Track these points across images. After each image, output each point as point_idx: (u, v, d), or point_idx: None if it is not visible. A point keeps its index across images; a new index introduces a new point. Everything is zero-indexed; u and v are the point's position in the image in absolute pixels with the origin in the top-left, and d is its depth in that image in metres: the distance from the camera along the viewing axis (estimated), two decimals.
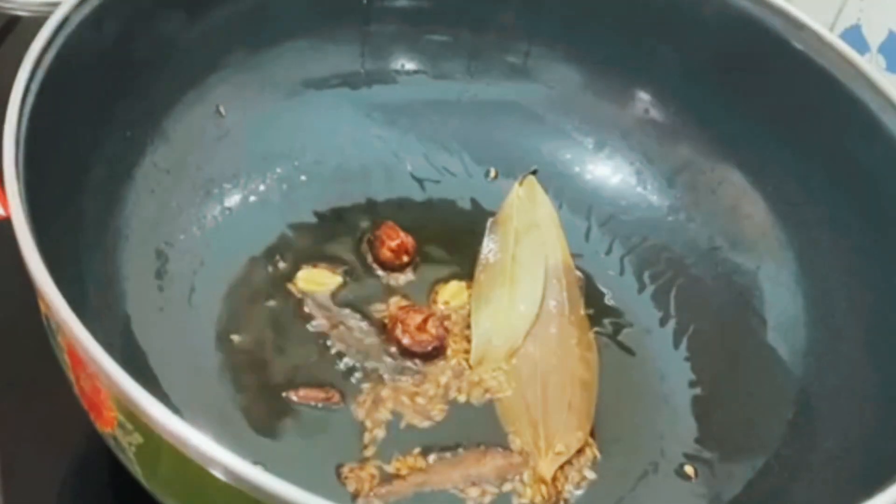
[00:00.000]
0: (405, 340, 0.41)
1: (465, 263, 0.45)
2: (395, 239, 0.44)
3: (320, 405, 0.39)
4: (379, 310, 0.43)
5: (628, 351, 0.44)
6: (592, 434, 0.40)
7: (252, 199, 0.45)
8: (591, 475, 0.39)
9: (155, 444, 0.28)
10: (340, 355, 0.41)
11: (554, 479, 0.39)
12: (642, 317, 0.45)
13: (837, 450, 0.37)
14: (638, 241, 0.47)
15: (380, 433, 0.39)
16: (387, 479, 0.38)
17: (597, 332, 0.44)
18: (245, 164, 0.45)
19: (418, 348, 0.41)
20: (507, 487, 0.38)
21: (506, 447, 0.39)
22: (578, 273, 0.45)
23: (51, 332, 0.32)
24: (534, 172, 0.48)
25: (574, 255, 0.46)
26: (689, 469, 0.40)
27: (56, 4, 0.36)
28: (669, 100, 0.47)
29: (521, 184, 0.47)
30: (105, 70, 0.38)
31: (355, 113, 0.48)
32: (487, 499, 0.38)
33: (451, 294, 0.44)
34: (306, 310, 0.42)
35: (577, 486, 0.39)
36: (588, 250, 0.47)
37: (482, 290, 0.44)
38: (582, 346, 0.43)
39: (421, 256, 0.45)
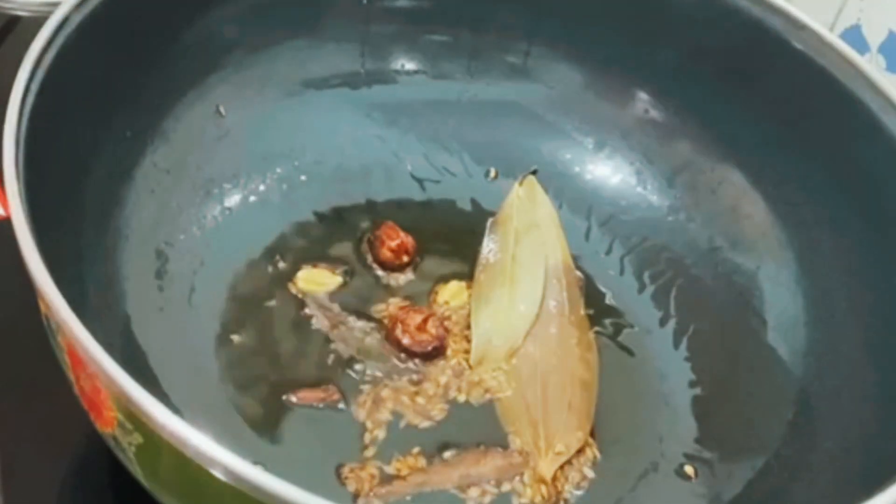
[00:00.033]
0: (405, 340, 0.41)
1: (465, 263, 0.45)
2: (395, 239, 0.44)
3: (320, 405, 0.39)
4: (379, 310, 0.43)
5: (628, 351, 0.44)
6: (592, 434, 0.40)
7: (252, 199, 0.45)
8: (591, 475, 0.39)
9: (155, 444, 0.28)
10: (340, 355, 0.41)
11: (554, 479, 0.39)
12: (642, 317, 0.45)
13: (837, 450, 0.37)
14: (638, 241, 0.47)
15: (380, 433, 0.39)
16: (387, 479, 0.38)
17: (597, 333, 0.44)
18: (245, 164, 0.45)
19: (418, 348, 0.41)
20: (507, 487, 0.38)
21: (506, 447, 0.39)
22: (578, 273, 0.45)
23: (51, 332, 0.32)
24: (534, 172, 0.48)
25: (574, 255, 0.46)
26: (689, 469, 0.40)
27: (56, 4, 0.36)
28: (669, 100, 0.47)
29: (521, 184, 0.47)
30: (105, 70, 0.38)
31: (355, 113, 0.48)
32: (487, 499, 0.38)
33: (451, 294, 0.44)
34: (306, 310, 0.42)
35: (577, 486, 0.39)
36: (588, 250, 0.47)
37: (482, 290, 0.44)
38: (582, 346, 0.43)
39: (421, 256, 0.45)
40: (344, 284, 0.44)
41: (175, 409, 0.28)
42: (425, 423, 0.40)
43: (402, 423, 0.39)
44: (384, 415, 0.39)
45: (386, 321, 0.42)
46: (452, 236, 0.46)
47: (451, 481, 0.38)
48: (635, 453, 0.40)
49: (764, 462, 0.39)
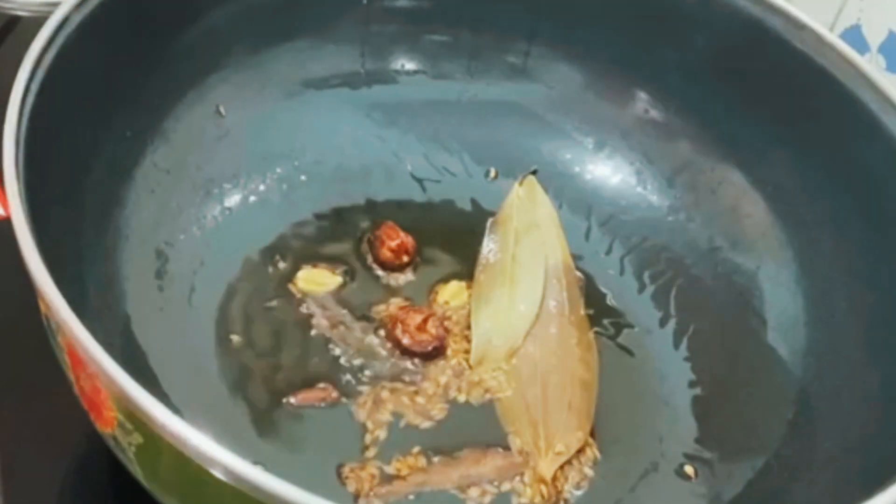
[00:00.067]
0: (405, 340, 0.41)
1: (465, 263, 0.45)
2: (395, 239, 0.44)
3: (320, 405, 0.39)
4: (379, 310, 0.43)
5: (628, 351, 0.44)
6: (592, 434, 0.40)
7: (252, 199, 0.45)
8: (591, 475, 0.39)
9: (155, 444, 0.28)
10: (340, 355, 0.41)
11: (554, 479, 0.39)
12: (642, 317, 0.45)
13: (837, 450, 0.37)
14: (638, 241, 0.47)
15: (381, 434, 0.39)
16: (387, 479, 0.38)
17: (597, 333, 0.44)
18: (245, 164, 0.45)
19: (418, 348, 0.41)
20: (507, 487, 0.38)
21: (506, 447, 0.39)
22: (578, 273, 0.45)
23: (51, 332, 0.32)
24: (534, 172, 0.48)
25: (574, 256, 0.46)
26: (689, 469, 0.40)
27: (56, 4, 0.36)
28: (669, 100, 0.47)
29: (521, 184, 0.47)
30: (105, 70, 0.38)
31: (355, 113, 0.48)
32: (487, 499, 0.38)
33: (451, 294, 0.44)
34: (306, 310, 0.42)
35: (577, 486, 0.39)
36: (588, 250, 0.47)
37: (482, 290, 0.44)
38: (582, 346, 0.43)
39: (421, 256, 0.45)
40: (344, 284, 0.44)
41: (175, 409, 0.28)
42: (425, 423, 0.40)
43: (402, 423, 0.39)
44: (384, 415, 0.39)
45: (386, 321, 0.42)
46: (452, 236, 0.46)
47: (451, 481, 0.38)
48: (635, 453, 0.40)
49: (764, 462, 0.39)
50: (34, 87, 0.34)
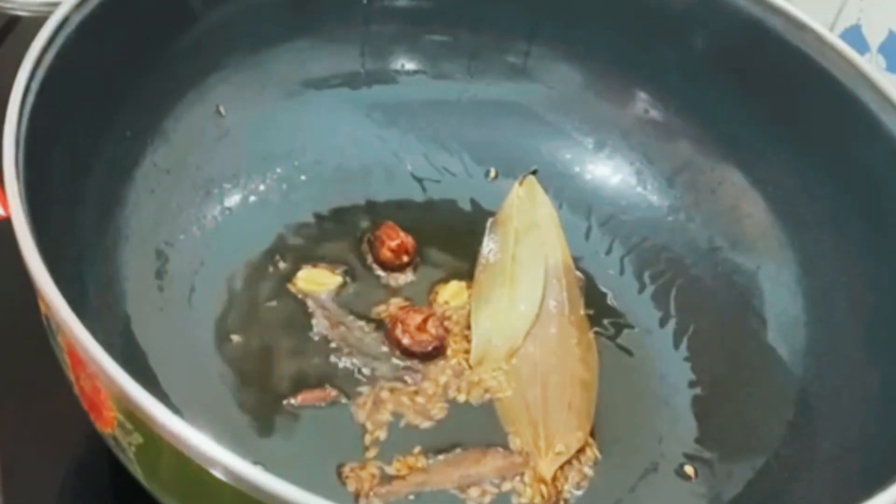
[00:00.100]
0: (405, 340, 0.41)
1: (465, 263, 0.45)
2: (395, 239, 0.44)
3: (320, 405, 0.39)
4: (379, 310, 0.43)
5: (628, 351, 0.44)
6: (592, 434, 0.40)
7: (252, 199, 0.45)
8: (591, 475, 0.39)
9: (155, 444, 0.28)
10: (340, 355, 0.41)
11: (554, 479, 0.39)
12: (642, 317, 0.45)
13: (837, 450, 0.37)
14: (638, 241, 0.47)
15: (381, 434, 0.39)
16: (387, 479, 0.38)
17: (597, 333, 0.44)
18: (245, 164, 0.45)
19: (418, 348, 0.41)
20: (507, 487, 0.38)
21: (506, 447, 0.39)
22: (578, 273, 0.45)
23: (51, 332, 0.32)
24: (534, 172, 0.48)
25: (574, 256, 0.46)
26: (689, 469, 0.40)
27: (56, 4, 0.36)
28: (669, 100, 0.47)
29: (521, 184, 0.47)
30: (105, 70, 0.38)
31: (355, 113, 0.48)
32: (487, 499, 0.38)
33: (451, 294, 0.44)
34: (306, 310, 0.42)
35: (577, 486, 0.39)
36: (588, 250, 0.47)
37: (482, 290, 0.44)
38: (582, 346, 0.43)
39: (421, 256, 0.45)
40: (344, 284, 0.44)
41: (175, 409, 0.28)
42: (425, 423, 0.40)
43: (403, 423, 0.39)
44: (384, 415, 0.39)
45: (386, 321, 0.42)
46: (452, 236, 0.46)
47: (451, 481, 0.38)
48: (635, 453, 0.40)
49: (764, 462, 0.39)
50: (34, 87, 0.34)
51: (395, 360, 0.41)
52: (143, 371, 0.37)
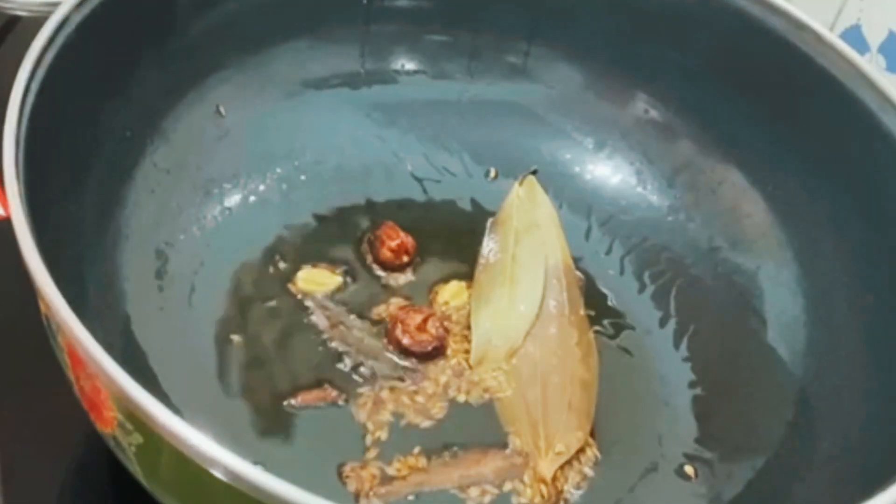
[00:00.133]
0: (405, 340, 0.41)
1: (465, 263, 0.45)
2: (395, 239, 0.44)
3: (321, 405, 0.39)
4: (379, 310, 0.43)
5: (628, 351, 0.44)
6: (592, 434, 0.40)
7: (252, 199, 0.45)
8: (591, 475, 0.39)
9: (155, 444, 0.28)
10: (340, 355, 0.41)
11: (554, 479, 0.39)
12: (642, 317, 0.45)
13: (837, 450, 0.37)
14: (638, 241, 0.47)
15: (382, 435, 0.39)
16: (387, 479, 0.38)
17: (597, 333, 0.44)
18: (245, 164, 0.45)
19: (418, 348, 0.41)
20: (507, 487, 0.38)
21: (506, 447, 0.39)
22: (578, 273, 0.45)
23: (51, 332, 0.32)
24: (534, 172, 0.48)
25: (574, 256, 0.46)
26: (689, 469, 0.40)
27: (56, 4, 0.36)
28: (669, 100, 0.47)
29: (521, 184, 0.47)
30: (105, 70, 0.38)
31: (355, 113, 0.48)
32: (487, 499, 0.38)
33: (451, 294, 0.44)
34: (306, 310, 0.42)
35: (577, 486, 0.39)
36: (588, 250, 0.47)
37: (482, 290, 0.44)
38: (582, 346, 0.43)
39: (421, 256, 0.45)
40: (344, 284, 0.44)
41: (175, 409, 0.28)
42: (426, 423, 0.40)
43: (403, 423, 0.39)
44: (385, 416, 0.39)
45: (386, 321, 0.42)
46: (452, 236, 0.46)
47: (451, 481, 0.38)
48: (635, 453, 0.40)
49: (764, 462, 0.39)
50: (34, 87, 0.34)
51: (395, 360, 0.41)
52: (143, 371, 0.37)
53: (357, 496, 0.37)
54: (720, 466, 0.40)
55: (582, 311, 0.44)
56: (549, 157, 0.48)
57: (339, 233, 0.45)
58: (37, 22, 0.37)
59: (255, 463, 0.26)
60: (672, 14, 0.45)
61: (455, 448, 0.39)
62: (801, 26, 0.43)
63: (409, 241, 0.44)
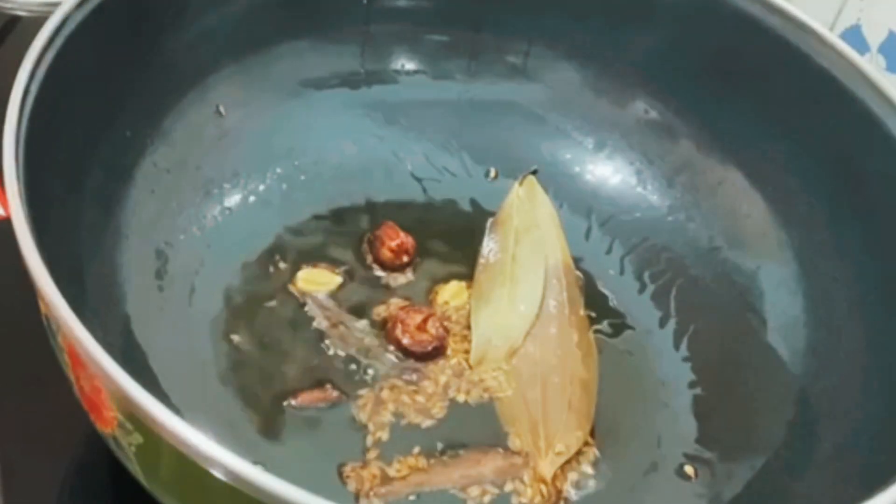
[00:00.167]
0: (405, 340, 0.41)
1: (465, 263, 0.45)
2: (395, 239, 0.44)
3: (321, 405, 0.39)
4: (379, 310, 0.43)
5: (628, 351, 0.44)
6: (592, 434, 0.40)
7: (252, 199, 0.45)
8: (591, 475, 0.39)
9: (155, 444, 0.28)
10: (340, 355, 0.41)
11: (554, 478, 0.39)
12: (642, 317, 0.45)
13: (837, 450, 0.37)
14: (638, 241, 0.47)
15: (382, 435, 0.39)
16: (387, 478, 0.38)
17: (597, 332, 0.44)
18: (245, 164, 0.45)
19: (418, 348, 0.41)
20: (507, 487, 0.38)
21: (506, 447, 0.39)
22: (578, 273, 0.45)
23: (51, 332, 0.32)
24: (534, 172, 0.48)
25: (574, 256, 0.46)
26: (689, 469, 0.40)
27: (56, 4, 0.36)
28: (669, 100, 0.47)
29: (521, 184, 0.47)
30: (105, 70, 0.38)
31: (355, 113, 0.48)
32: (487, 499, 0.38)
33: (451, 294, 0.44)
34: (306, 310, 0.42)
35: (577, 486, 0.39)
36: (588, 250, 0.47)
37: (482, 290, 0.44)
38: (582, 346, 0.43)
39: (421, 256, 0.45)
40: (344, 284, 0.44)
41: (175, 409, 0.28)
42: (426, 423, 0.40)
43: (403, 422, 0.39)
44: (385, 417, 0.39)
45: (386, 321, 0.42)
46: (452, 236, 0.46)
47: (451, 481, 0.38)
48: (635, 453, 0.40)
49: (764, 462, 0.39)
50: (34, 87, 0.34)
51: (395, 360, 0.41)
52: (143, 371, 0.37)
53: (357, 496, 0.37)
54: (720, 466, 0.40)
55: (582, 312, 0.44)
56: (549, 157, 0.48)
57: (339, 233, 0.45)
58: (37, 22, 0.37)
59: (255, 463, 0.26)
60: (672, 14, 0.45)
61: (455, 448, 0.39)
62: (801, 26, 0.43)
63: (408, 241, 0.44)
